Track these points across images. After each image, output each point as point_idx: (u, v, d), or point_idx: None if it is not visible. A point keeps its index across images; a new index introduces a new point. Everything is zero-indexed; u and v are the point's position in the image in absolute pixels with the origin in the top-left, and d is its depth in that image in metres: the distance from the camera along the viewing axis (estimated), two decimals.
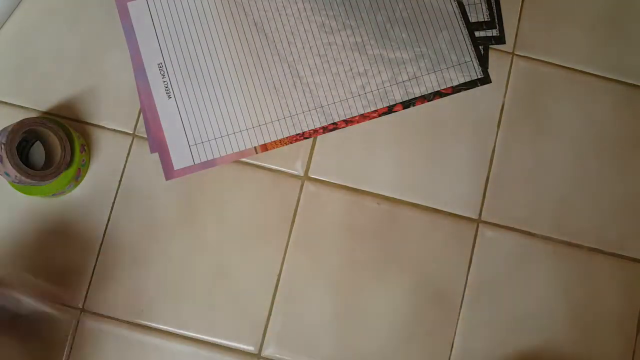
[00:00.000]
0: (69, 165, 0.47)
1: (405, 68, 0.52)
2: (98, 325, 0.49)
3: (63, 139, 0.47)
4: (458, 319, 0.50)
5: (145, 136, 0.52)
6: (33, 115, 0.51)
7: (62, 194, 0.50)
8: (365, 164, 0.52)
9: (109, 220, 0.51)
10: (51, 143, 0.48)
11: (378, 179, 0.52)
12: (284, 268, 0.51)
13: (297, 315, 0.50)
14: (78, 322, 0.49)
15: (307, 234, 0.51)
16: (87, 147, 0.51)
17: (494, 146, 0.52)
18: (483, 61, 0.53)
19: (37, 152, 0.48)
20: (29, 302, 0.44)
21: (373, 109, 0.52)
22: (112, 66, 0.52)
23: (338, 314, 0.50)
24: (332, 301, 0.50)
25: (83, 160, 0.49)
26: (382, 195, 0.52)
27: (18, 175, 0.44)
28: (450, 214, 0.52)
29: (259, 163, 0.52)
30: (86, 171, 0.51)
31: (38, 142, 0.48)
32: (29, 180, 0.45)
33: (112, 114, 0.52)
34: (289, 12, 0.53)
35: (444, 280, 0.51)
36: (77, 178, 0.50)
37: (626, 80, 0.53)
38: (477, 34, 0.53)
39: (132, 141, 0.52)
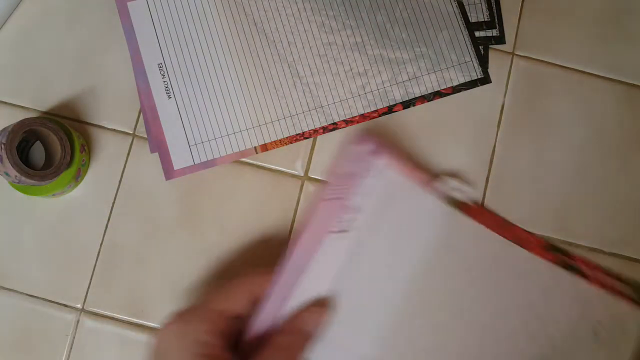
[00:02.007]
0: (69, 165, 0.47)
1: (405, 68, 0.52)
2: (98, 325, 0.49)
3: (63, 139, 0.47)
4: None
5: (145, 136, 0.52)
6: (33, 115, 0.51)
7: (62, 194, 0.50)
8: None
9: (109, 220, 0.51)
10: (51, 143, 0.48)
11: None
12: None
13: None
14: (78, 322, 0.49)
15: None
16: (87, 147, 0.51)
17: (494, 146, 0.52)
18: (483, 61, 0.53)
19: (37, 152, 0.48)
20: None
21: (373, 109, 0.52)
22: (112, 66, 0.52)
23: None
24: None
25: (83, 160, 0.49)
26: None
27: (18, 175, 0.44)
28: None
29: (259, 163, 0.52)
30: (86, 171, 0.51)
31: (38, 142, 0.48)
32: (29, 180, 0.45)
33: (112, 114, 0.52)
34: (289, 12, 0.53)
35: None
36: (77, 178, 0.50)
37: (626, 80, 0.53)
38: (477, 34, 0.53)
39: (132, 141, 0.52)
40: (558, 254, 0.50)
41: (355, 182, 0.46)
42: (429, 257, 0.48)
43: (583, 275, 0.49)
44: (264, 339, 0.42)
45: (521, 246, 0.49)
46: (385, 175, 0.47)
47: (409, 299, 0.47)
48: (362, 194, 0.46)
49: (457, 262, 0.48)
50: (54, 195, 0.49)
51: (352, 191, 0.46)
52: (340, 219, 0.46)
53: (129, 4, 0.53)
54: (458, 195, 0.48)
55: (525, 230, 0.50)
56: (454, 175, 0.50)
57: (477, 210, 0.49)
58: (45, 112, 0.52)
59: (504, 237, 0.49)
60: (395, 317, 0.47)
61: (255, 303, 0.42)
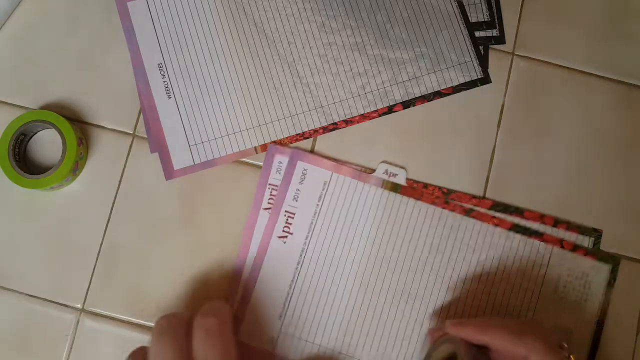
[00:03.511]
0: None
1: (405, 68, 0.52)
2: (98, 325, 0.49)
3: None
4: None
5: (145, 136, 0.52)
6: None
7: (60, 187, 0.50)
8: (365, 164, 0.52)
9: (109, 219, 0.51)
10: (49, 136, 0.48)
11: None
12: None
13: None
14: (78, 322, 0.49)
15: None
16: (85, 140, 0.51)
17: (494, 146, 0.52)
18: (483, 61, 0.53)
19: (35, 146, 0.49)
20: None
21: (373, 109, 0.52)
22: (112, 66, 0.52)
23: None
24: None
25: (81, 154, 0.49)
26: None
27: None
28: None
29: (259, 163, 0.52)
30: (84, 164, 0.51)
31: (36, 135, 0.48)
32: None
33: (112, 114, 0.52)
34: (289, 12, 0.53)
35: None
36: (75, 171, 0.50)
37: (626, 80, 0.53)
38: (477, 34, 0.53)
39: (132, 141, 0.52)
40: (509, 215, 0.50)
41: (287, 188, 0.50)
42: (377, 243, 0.49)
43: (538, 235, 0.49)
44: None
45: (470, 216, 0.50)
46: (314, 177, 0.50)
47: (363, 291, 0.49)
48: (297, 198, 0.49)
49: (406, 243, 0.50)
50: (51, 188, 0.49)
51: (287, 197, 0.50)
52: (282, 224, 0.49)
53: (129, 4, 0.53)
54: (394, 180, 0.49)
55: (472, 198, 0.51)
56: (386, 162, 0.51)
57: (418, 191, 0.50)
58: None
59: (452, 210, 0.50)
60: (350, 313, 0.49)
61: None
